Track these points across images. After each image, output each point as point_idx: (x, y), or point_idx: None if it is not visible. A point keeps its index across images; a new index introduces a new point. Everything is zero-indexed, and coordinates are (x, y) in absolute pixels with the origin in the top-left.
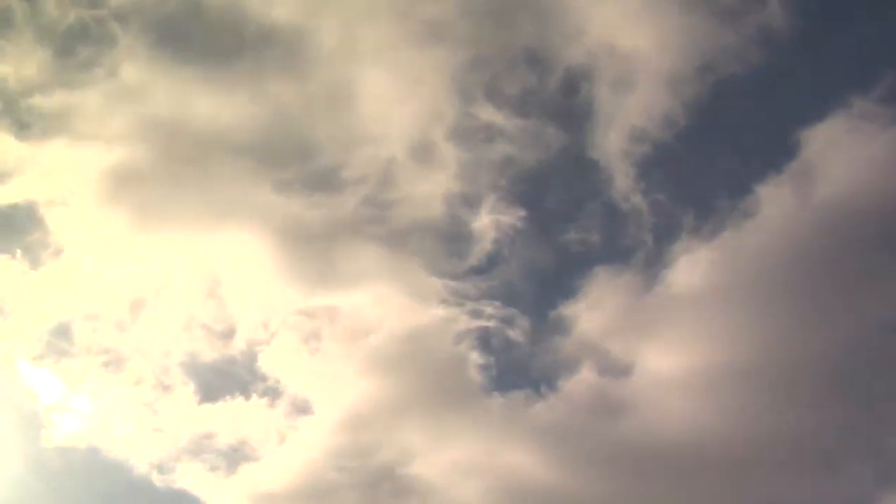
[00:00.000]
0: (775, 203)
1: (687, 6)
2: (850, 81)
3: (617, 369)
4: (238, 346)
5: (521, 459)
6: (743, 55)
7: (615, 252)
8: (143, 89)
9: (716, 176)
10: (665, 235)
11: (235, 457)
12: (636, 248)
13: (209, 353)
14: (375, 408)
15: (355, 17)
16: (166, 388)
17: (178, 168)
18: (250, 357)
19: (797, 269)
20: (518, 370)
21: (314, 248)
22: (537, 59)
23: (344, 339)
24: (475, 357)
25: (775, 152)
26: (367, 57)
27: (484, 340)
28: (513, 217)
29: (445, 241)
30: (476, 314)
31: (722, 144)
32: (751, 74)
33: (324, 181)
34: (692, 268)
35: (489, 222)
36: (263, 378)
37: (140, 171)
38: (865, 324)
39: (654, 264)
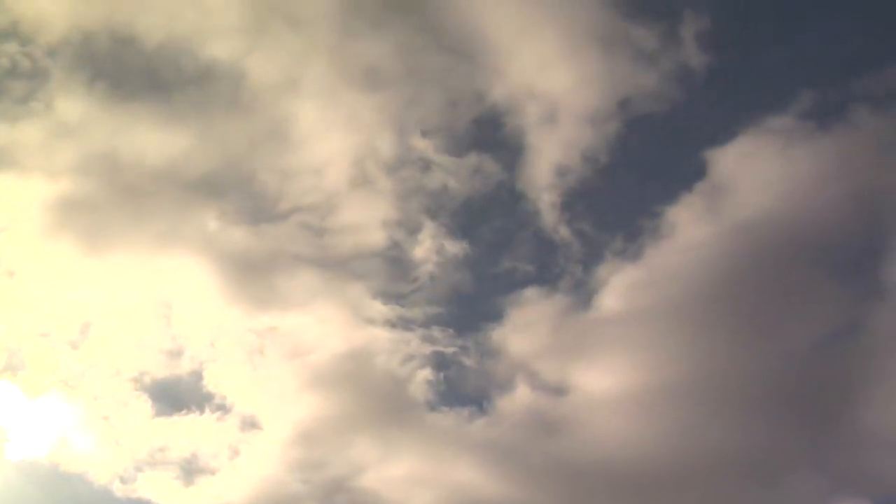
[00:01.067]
0: (690, 223)
1: (605, 47)
2: (762, 103)
3: (552, 388)
4: (187, 364)
5: (466, 473)
6: (659, 89)
7: (546, 277)
8: (81, 124)
9: (635, 202)
10: (591, 260)
11: (192, 469)
12: (565, 273)
13: (160, 371)
14: (323, 423)
15: (294, 55)
16: (121, 404)
17: (122, 198)
18: (199, 375)
19: (718, 287)
20: (459, 389)
21: (257, 273)
22: (468, 97)
23: (288, 358)
24: (418, 376)
25: (689, 176)
26: (306, 93)
27: (425, 360)
28: (449, 244)
29: (384, 266)
30: (416, 335)
31: (639, 173)
32: (666, 107)
33: (265, 210)
34: (619, 290)
35: (427, 249)
36: (212, 395)
37: (84, 202)
38: (792, 339)
39: (582, 288)
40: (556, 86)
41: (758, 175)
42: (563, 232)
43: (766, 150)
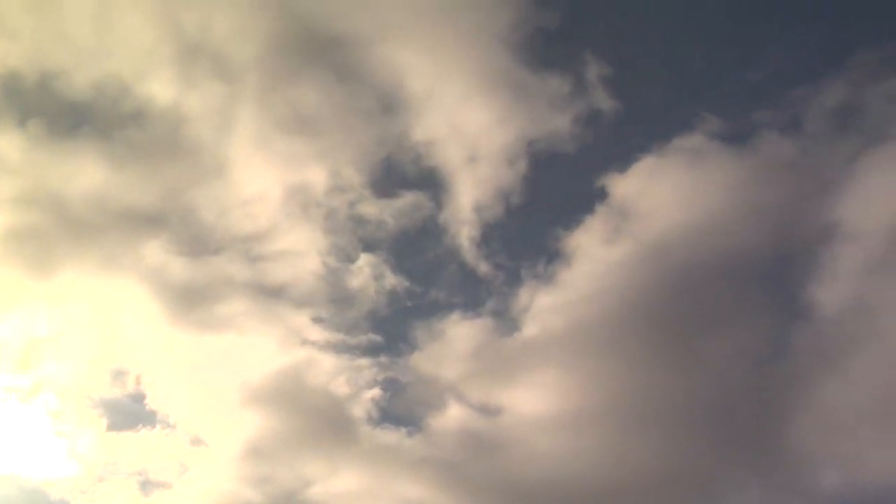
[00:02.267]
0: (598, 247)
1: (517, 92)
2: (667, 128)
3: (484, 409)
4: (133, 383)
5: (407, 488)
6: (567, 127)
7: (471, 304)
8: (19, 160)
9: (547, 230)
10: (511, 287)
11: (147, 483)
12: (488, 300)
13: (109, 389)
14: (268, 440)
15: (227, 99)
16: (74, 420)
17: (65, 229)
18: (145, 394)
19: (632, 307)
20: (396, 409)
21: (198, 299)
22: (393, 139)
23: (229, 377)
24: (357, 395)
25: (595, 203)
26: (241, 133)
27: (363, 381)
28: (381, 274)
29: (321, 294)
30: (353, 358)
31: (550, 204)
32: (573, 143)
33: (204, 240)
34: (539, 314)
35: (361, 278)
36: (160, 413)
37: (28, 231)
38: (714, 357)
39: (505, 313)
40: (473, 128)
41: (664, 198)
42: (484, 262)
43: (670, 175)
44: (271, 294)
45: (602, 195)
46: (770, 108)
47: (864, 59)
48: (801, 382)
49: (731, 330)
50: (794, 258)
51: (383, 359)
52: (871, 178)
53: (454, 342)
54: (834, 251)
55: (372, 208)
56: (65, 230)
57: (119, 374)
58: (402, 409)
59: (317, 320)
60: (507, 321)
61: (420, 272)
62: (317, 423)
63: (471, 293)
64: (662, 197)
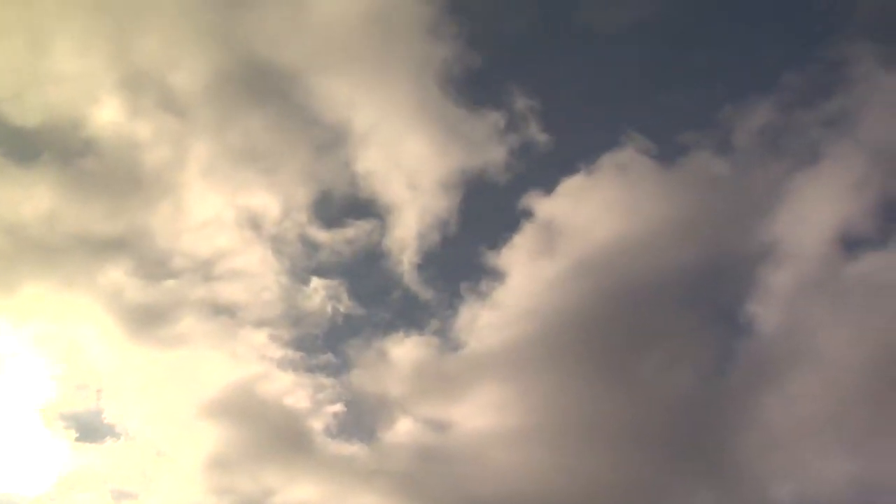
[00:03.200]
0: (531, 266)
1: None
2: (594, 151)
3: (433, 424)
4: (96, 397)
5: (361, 498)
6: (500, 157)
7: (416, 324)
8: None
9: (483, 252)
10: (453, 306)
11: (115, 493)
12: (431, 320)
13: (73, 402)
14: (231, 452)
15: (181, 128)
16: (41, 433)
17: (26, 250)
18: (111, 408)
19: (569, 323)
20: (351, 422)
21: (156, 317)
22: (342, 170)
23: (191, 393)
24: (313, 410)
25: (526, 223)
26: (194, 165)
27: (318, 396)
28: (332, 294)
29: (274, 312)
30: (309, 373)
31: (484, 228)
32: (507, 171)
33: (160, 262)
34: (479, 331)
35: (313, 298)
36: (124, 426)
37: None
38: (653, 372)
39: (448, 332)
40: (412, 160)
41: (597, 217)
42: (426, 284)
43: (603, 194)
44: (227, 313)
45: (532, 216)
46: (701, 128)
47: (792, 81)
48: (743, 397)
49: (672, 345)
50: (731, 275)
51: (337, 376)
52: (803, 198)
53: (401, 360)
54: (768, 269)
55: (320, 235)
56: (24, 252)
57: (83, 389)
58: (355, 423)
59: (273, 338)
60: (449, 339)
61: (367, 295)
62: (275, 436)
63: (415, 314)
64: (595, 216)
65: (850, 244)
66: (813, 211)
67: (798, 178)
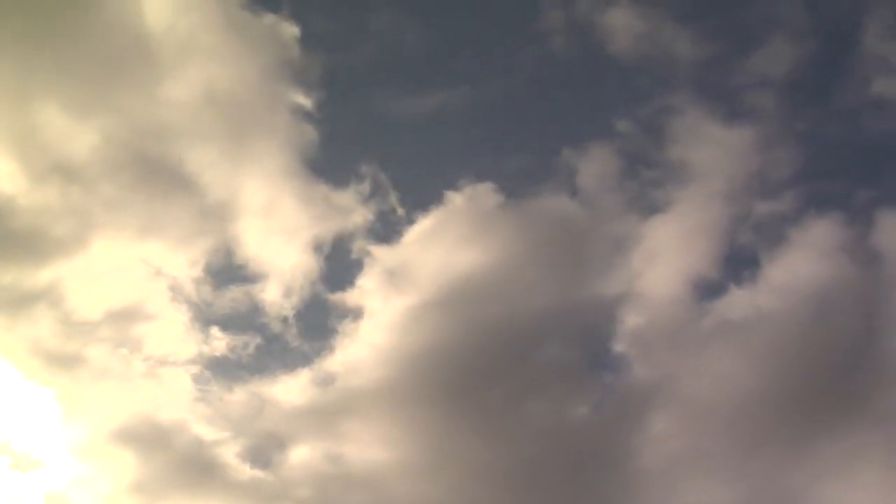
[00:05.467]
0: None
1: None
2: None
3: (327, 456)
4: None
5: None
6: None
7: (297, 365)
8: None
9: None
10: (325, 350)
11: None
12: (309, 361)
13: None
14: (144, 478)
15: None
16: None
17: None
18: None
19: (429, 364)
20: (253, 451)
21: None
22: (224, 238)
23: (102, 423)
24: (219, 439)
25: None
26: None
27: (224, 426)
28: (225, 341)
29: (178, 353)
30: (214, 406)
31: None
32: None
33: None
34: (348, 370)
35: (211, 344)
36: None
37: None
38: (526, 412)
39: (325, 372)
40: (282, 225)
41: (448, 260)
42: (301, 332)
43: (451, 239)
44: (136, 353)
45: (390, 263)
46: (549, 172)
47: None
48: (609, 436)
49: (537, 383)
50: (589, 316)
51: (237, 411)
52: (654, 242)
53: (289, 398)
54: (625, 311)
55: (211, 290)
56: None
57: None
58: (257, 452)
59: (176, 376)
60: (326, 379)
61: (253, 342)
62: (183, 463)
63: (295, 358)
64: (448, 259)
65: (702, 287)
66: (664, 254)
67: (647, 223)
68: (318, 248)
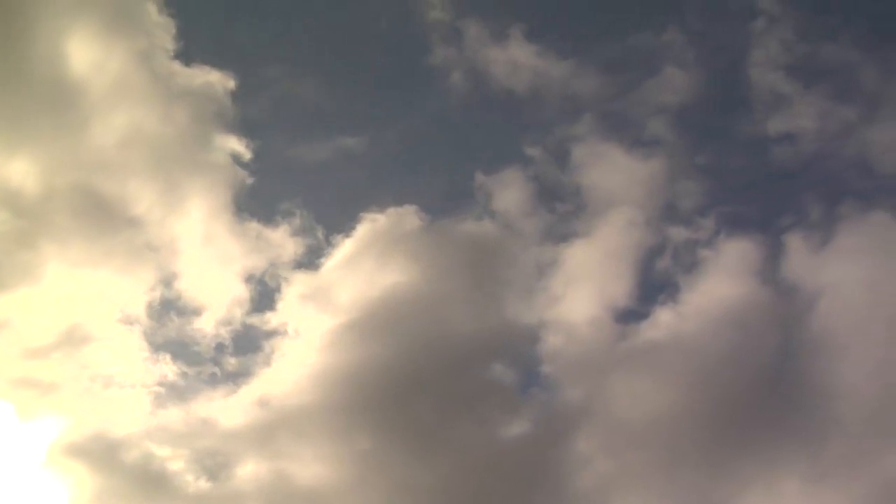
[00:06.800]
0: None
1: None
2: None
3: (275, 472)
4: None
5: None
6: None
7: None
8: None
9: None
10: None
11: None
12: (244, 381)
13: None
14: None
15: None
16: None
17: None
18: None
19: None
20: (199, 464)
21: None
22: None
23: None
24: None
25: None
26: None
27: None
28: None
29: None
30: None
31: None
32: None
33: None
34: (286, 389)
35: (160, 368)
36: None
37: None
38: (447, 430)
39: (258, 387)
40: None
41: (369, 283)
42: (232, 354)
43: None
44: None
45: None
46: (467, 198)
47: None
48: (539, 457)
49: (464, 405)
50: (514, 339)
51: (185, 429)
52: (577, 268)
53: (230, 418)
54: (548, 334)
55: (156, 320)
56: None
57: None
58: (203, 467)
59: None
60: (263, 400)
61: (196, 366)
62: (135, 477)
63: (232, 379)
64: (372, 281)
65: (622, 310)
66: (583, 279)
67: (565, 247)
68: (249, 278)
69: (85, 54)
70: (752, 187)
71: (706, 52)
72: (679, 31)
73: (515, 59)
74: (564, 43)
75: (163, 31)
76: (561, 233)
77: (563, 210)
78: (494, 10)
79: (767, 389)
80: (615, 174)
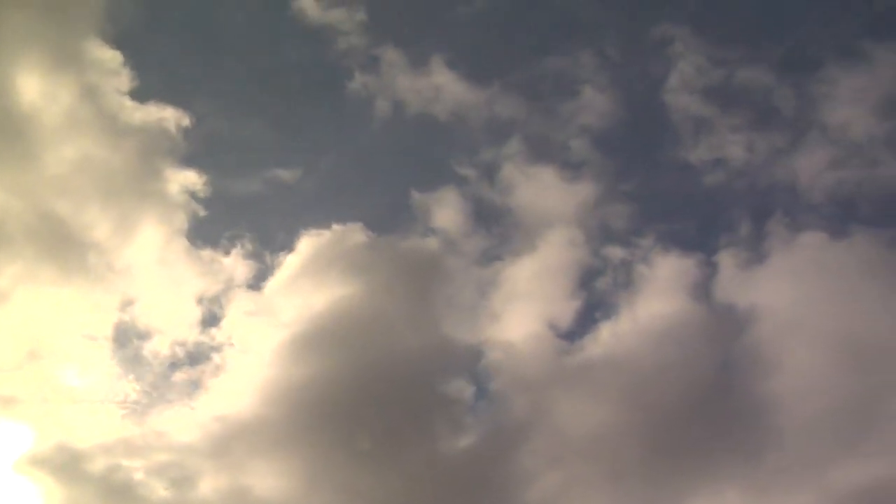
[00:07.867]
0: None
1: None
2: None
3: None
4: None
5: None
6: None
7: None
8: None
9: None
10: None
11: None
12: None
13: None
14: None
15: None
16: None
17: None
18: None
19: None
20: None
21: None
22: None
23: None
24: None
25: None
26: None
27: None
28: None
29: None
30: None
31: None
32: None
33: None
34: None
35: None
36: None
37: None
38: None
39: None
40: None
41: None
42: (182, 368)
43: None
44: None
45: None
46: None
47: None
48: (487, 471)
49: (412, 420)
50: (456, 355)
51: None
52: (516, 286)
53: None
54: (492, 349)
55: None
56: None
57: None
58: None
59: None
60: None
61: (155, 382)
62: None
63: (188, 395)
64: (318, 297)
65: (563, 327)
66: (523, 297)
67: (503, 266)
68: (201, 300)
69: (35, 87)
70: (684, 208)
71: (623, 76)
72: (594, 55)
73: (437, 85)
74: (483, 68)
75: (111, 67)
76: (500, 251)
77: (500, 229)
78: (411, 38)
79: (706, 402)
80: (548, 195)
